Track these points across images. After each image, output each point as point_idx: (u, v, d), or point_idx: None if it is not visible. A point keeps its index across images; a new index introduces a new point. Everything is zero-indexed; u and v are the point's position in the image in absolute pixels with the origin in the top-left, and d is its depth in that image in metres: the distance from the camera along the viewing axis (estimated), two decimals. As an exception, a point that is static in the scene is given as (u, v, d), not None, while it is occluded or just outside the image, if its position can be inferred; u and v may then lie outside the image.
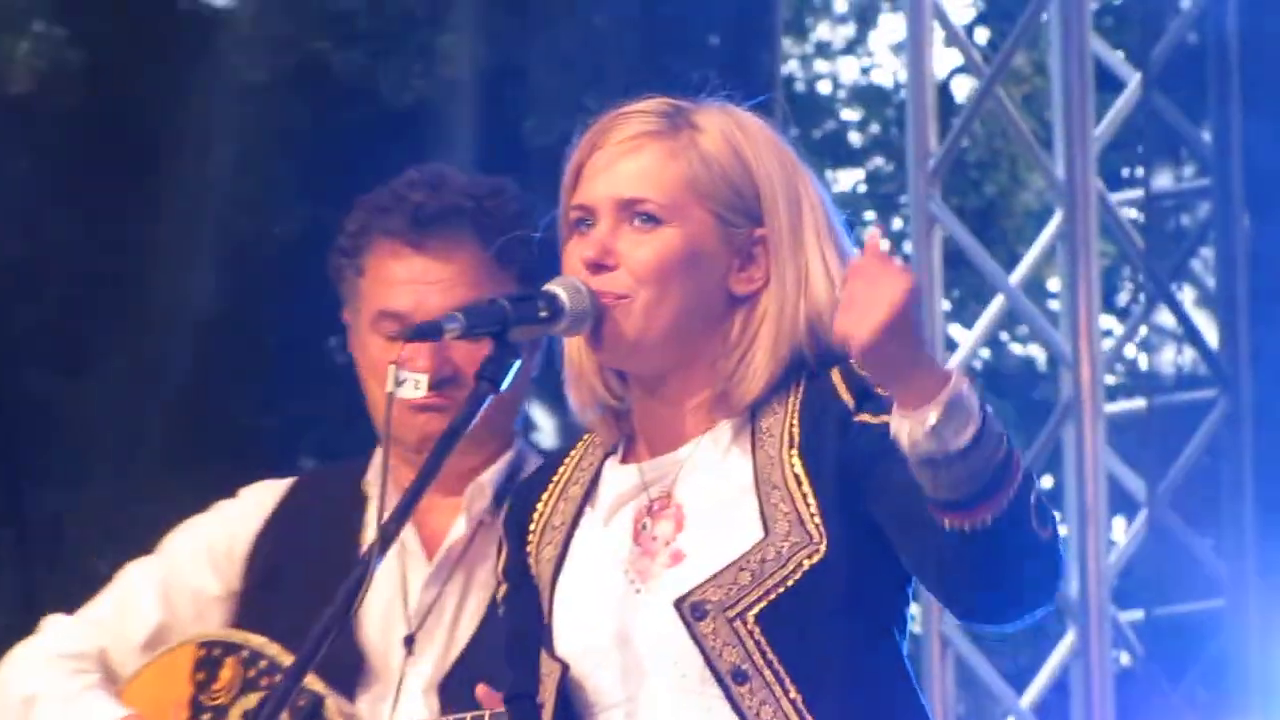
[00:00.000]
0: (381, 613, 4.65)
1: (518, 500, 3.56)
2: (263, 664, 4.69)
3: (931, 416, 2.78)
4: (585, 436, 3.51)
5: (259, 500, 5.02)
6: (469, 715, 4.34)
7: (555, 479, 3.49)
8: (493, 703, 4.05)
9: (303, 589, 4.53)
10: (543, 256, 4.00)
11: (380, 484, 4.01)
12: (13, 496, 13.07)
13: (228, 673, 4.67)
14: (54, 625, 5.05)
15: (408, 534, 4.48)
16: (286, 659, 4.52)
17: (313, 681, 4.43)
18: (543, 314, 3.17)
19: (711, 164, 3.32)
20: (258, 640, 4.69)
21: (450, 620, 4.60)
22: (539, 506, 3.46)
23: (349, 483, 4.89)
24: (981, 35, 10.91)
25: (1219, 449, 8.22)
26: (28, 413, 13.13)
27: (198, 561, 4.95)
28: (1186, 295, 9.14)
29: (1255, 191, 8.29)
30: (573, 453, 3.46)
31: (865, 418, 3.09)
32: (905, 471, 2.88)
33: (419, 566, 4.59)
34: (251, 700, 4.72)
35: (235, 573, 4.90)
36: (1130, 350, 9.24)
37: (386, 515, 3.34)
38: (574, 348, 3.45)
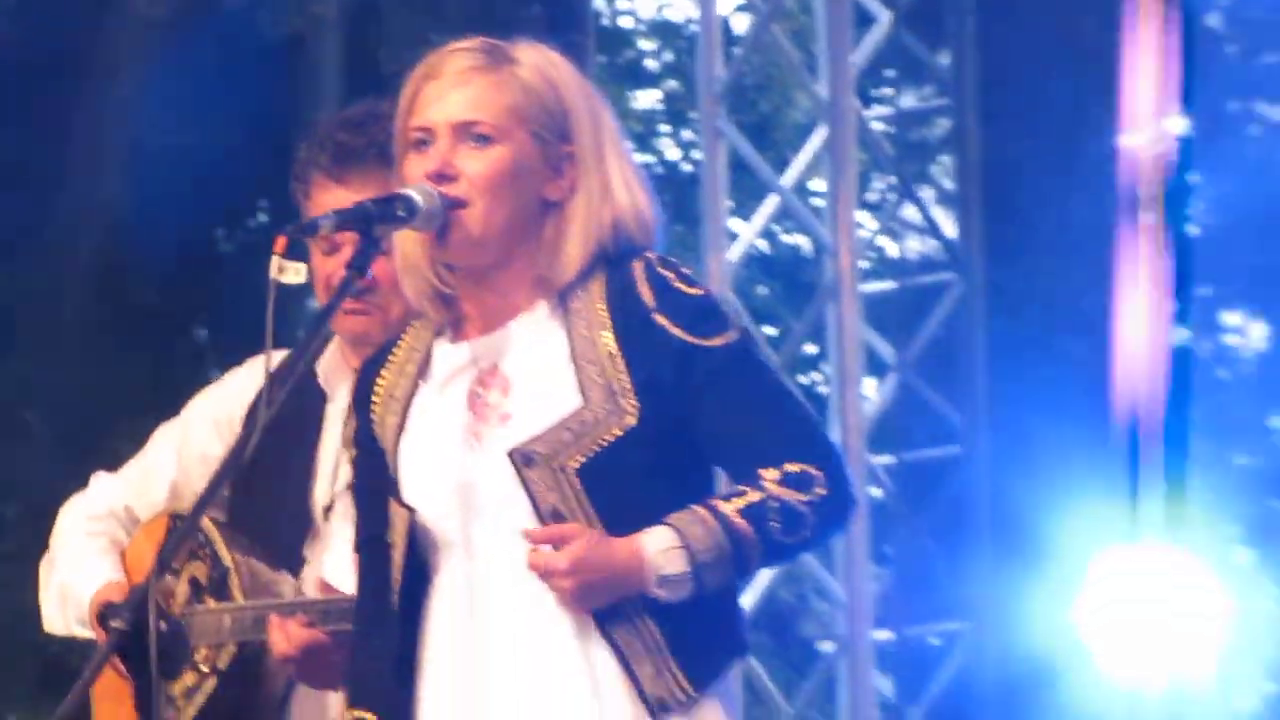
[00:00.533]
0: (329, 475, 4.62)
1: (362, 378, 3.62)
2: (201, 537, 4.63)
3: (657, 592, 3.22)
4: (414, 322, 3.56)
5: (256, 371, 4.77)
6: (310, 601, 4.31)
7: (392, 359, 3.55)
8: (329, 593, 4.14)
9: (263, 472, 4.45)
10: None
11: (266, 360, 3.70)
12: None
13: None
14: (95, 483, 5.03)
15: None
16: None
17: (225, 554, 4.55)
18: (400, 213, 3.26)
19: (530, 92, 3.45)
20: (206, 523, 4.65)
21: None
22: (380, 382, 3.52)
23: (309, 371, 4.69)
24: None
25: (955, 322, 8.30)
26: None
27: (206, 426, 4.88)
28: (928, 195, 9.24)
29: (986, 109, 8.37)
30: (405, 337, 3.53)
31: (662, 320, 3.27)
32: (724, 417, 3.34)
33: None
34: (198, 569, 4.71)
35: (234, 439, 4.74)
36: (882, 240, 9.27)
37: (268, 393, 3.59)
38: (408, 243, 3.50)
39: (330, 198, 4.31)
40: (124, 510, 4.88)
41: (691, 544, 3.19)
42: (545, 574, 3.19)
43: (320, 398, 4.49)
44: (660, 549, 3.16)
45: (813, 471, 3.29)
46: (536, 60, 3.47)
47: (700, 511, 3.16)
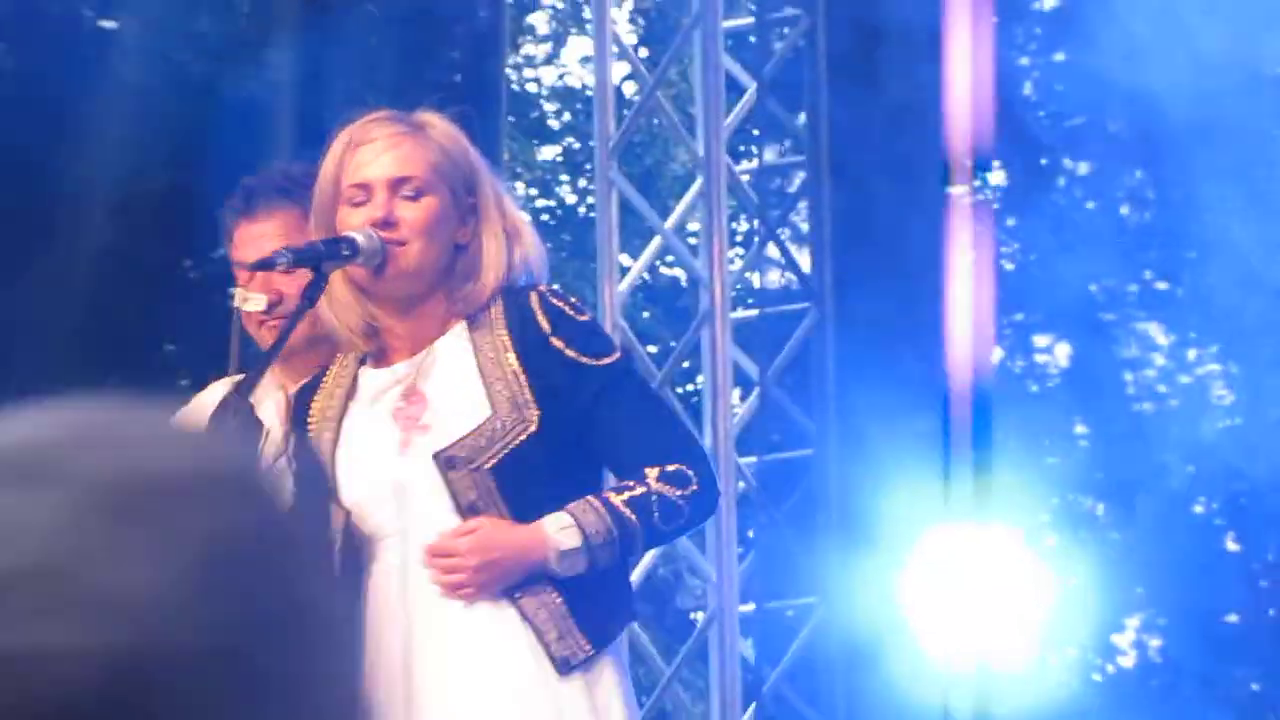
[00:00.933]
0: None
1: (297, 402, 3.81)
2: None
3: (555, 568, 3.42)
4: (339, 356, 3.76)
5: (215, 392, 4.84)
6: None
7: (322, 385, 3.74)
8: None
9: None
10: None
11: (232, 372, 4.20)
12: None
13: None
14: None
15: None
16: None
17: None
18: (345, 252, 3.55)
19: (446, 153, 3.71)
20: None
21: None
22: (314, 405, 3.71)
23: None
24: (644, 52, 11.04)
25: (809, 343, 8.43)
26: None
27: None
28: (786, 235, 9.41)
29: (835, 162, 8.57)
30: (332, 367, 3.71)
31: (558, 344, 3.52)
32: (612, 425, 3.58)
33: None
34: None
35: None
36: (748, 275, 9.42)
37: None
38: (339, 286, 3.72)
39: (241, 233, 4.47)
40: None
41: (584, 526, 3.47)
42: (450, 570, 3.43)
43: (256, 421, 4.25)
44: (558, 528, 3.44)
45: (687, 471, 3.62)
46: (444, 127, 3.72)
47: (593, 501, 3.50)
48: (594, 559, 3.61)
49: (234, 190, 4.74)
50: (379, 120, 3.79)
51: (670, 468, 3.52)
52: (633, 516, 3.48)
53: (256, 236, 4.39)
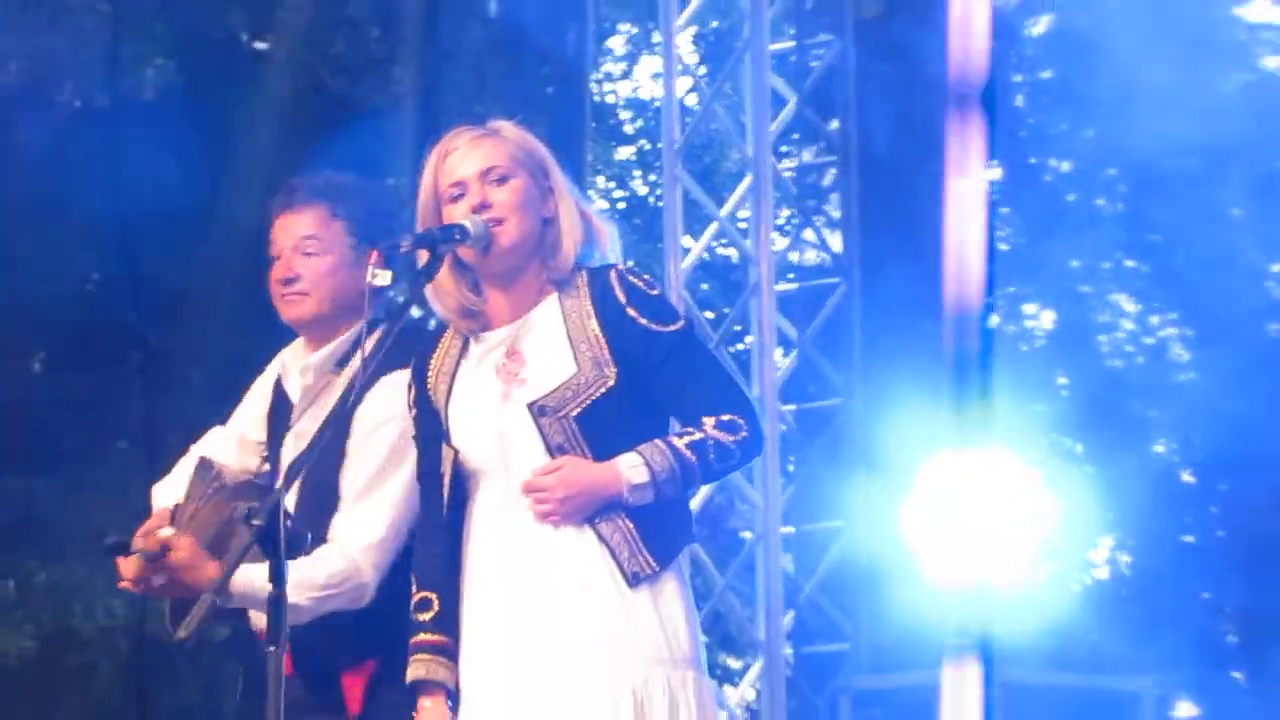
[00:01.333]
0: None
1: (419, 361, 3.81)
2: (214, 470, 4.36)
3: (628, 498, 3.50)
4: (449, 329, 3.77)
5: (274, 367, 4.73)
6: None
7: (439, 349, 3.76)
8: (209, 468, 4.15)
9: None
10: (373, 215, 4.35)
11: (364, 339, 3.65)
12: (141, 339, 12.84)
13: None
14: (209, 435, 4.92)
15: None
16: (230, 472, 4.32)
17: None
18: (457, 236, 3.50)
19: (518, 146, 3.72)
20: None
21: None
22: (431, 364, 3.73)
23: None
24: (703, 70, 11.19)
25: (840, 311, 8.64)
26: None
27: (247, 405, 4.74)
28: (821, 222, 9.61)
29: (862, 163, 8.85)
30: (445, 336, 3.74)
31: (633, 313, 3.58)
32: (677, 382, 3.61)
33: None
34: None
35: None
36: (790, 254, 9.59)
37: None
38: (444, 275, 3.71)
39: (282, 220, 4.38)
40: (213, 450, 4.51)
41: (652, 464, 3.49)
42: (541, 501, 3.52)
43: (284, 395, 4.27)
44: (629, 465, 3.47)
45: (738, 419, 3.71)
46: (513, 128, 3.77)
47: (659, 444, 3.56)
48: (659, 492, 3.66)
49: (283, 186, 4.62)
50: (460, 132, 3.81)
51: (724, 417, 3.58)
52: (692, 456, 3.56)
53: (290, 225, 4.34)
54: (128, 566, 3.83)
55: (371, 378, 3.82)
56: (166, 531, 3.83)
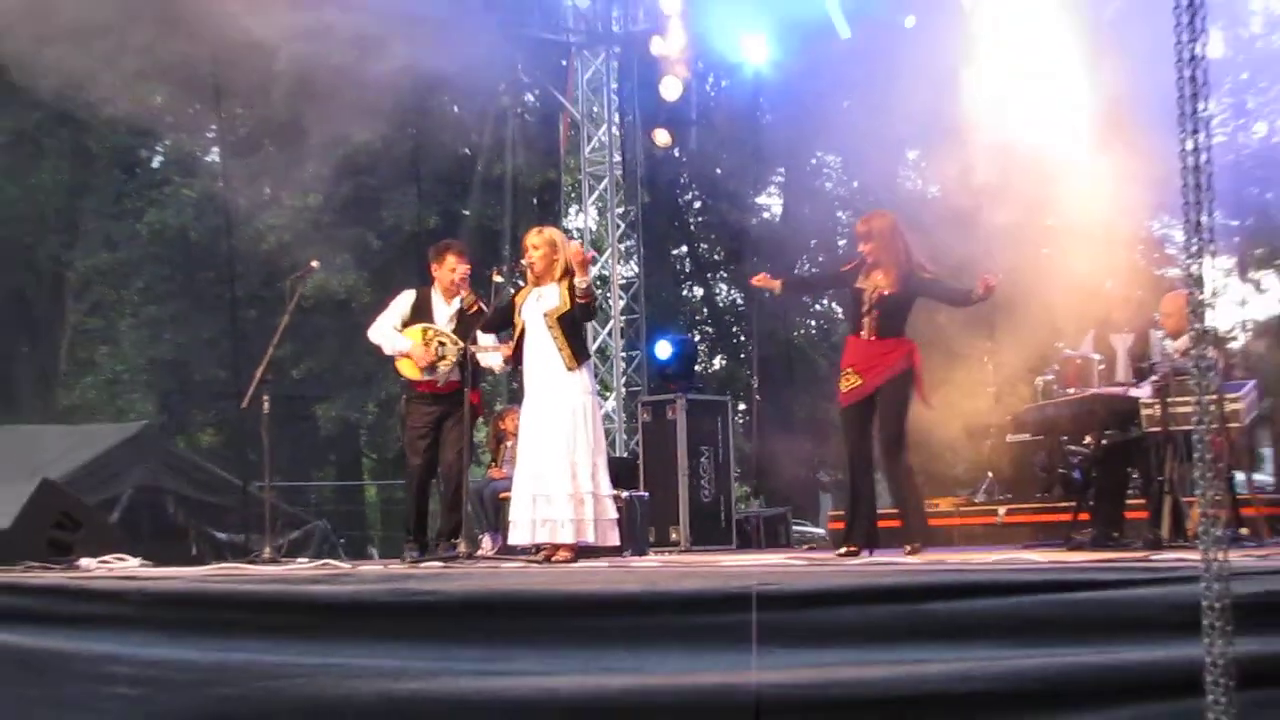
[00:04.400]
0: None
1: (513, 294, 8.05)
2: (442, 337, 8.52)
3: (581, 317, 7.98)
4: (523, 284, 7.96)
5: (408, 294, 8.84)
6: None
7: (521, 290, 7.89)
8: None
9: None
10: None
11: (493, 301, 8.29)
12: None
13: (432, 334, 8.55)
14: (381, 316, 8.75)
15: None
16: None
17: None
18: (522, 267, 8.15)
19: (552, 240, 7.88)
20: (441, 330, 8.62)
21: None
22: (516, 299, 7.80)
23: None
24: None
25: None
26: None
27: (399, 303, 8.75)
28: None
29: None
30: (525, 286, 7.77)
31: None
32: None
33: None
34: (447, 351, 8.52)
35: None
36: None
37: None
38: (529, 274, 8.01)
39: (447, 259, 8.64)
40: (393, 323, 8.62)
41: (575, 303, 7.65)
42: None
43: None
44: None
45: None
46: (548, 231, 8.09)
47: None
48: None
49: (443, 244, 8.83)
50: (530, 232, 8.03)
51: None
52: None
53: (456, 264, 8.55)
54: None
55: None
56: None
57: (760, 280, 8.16)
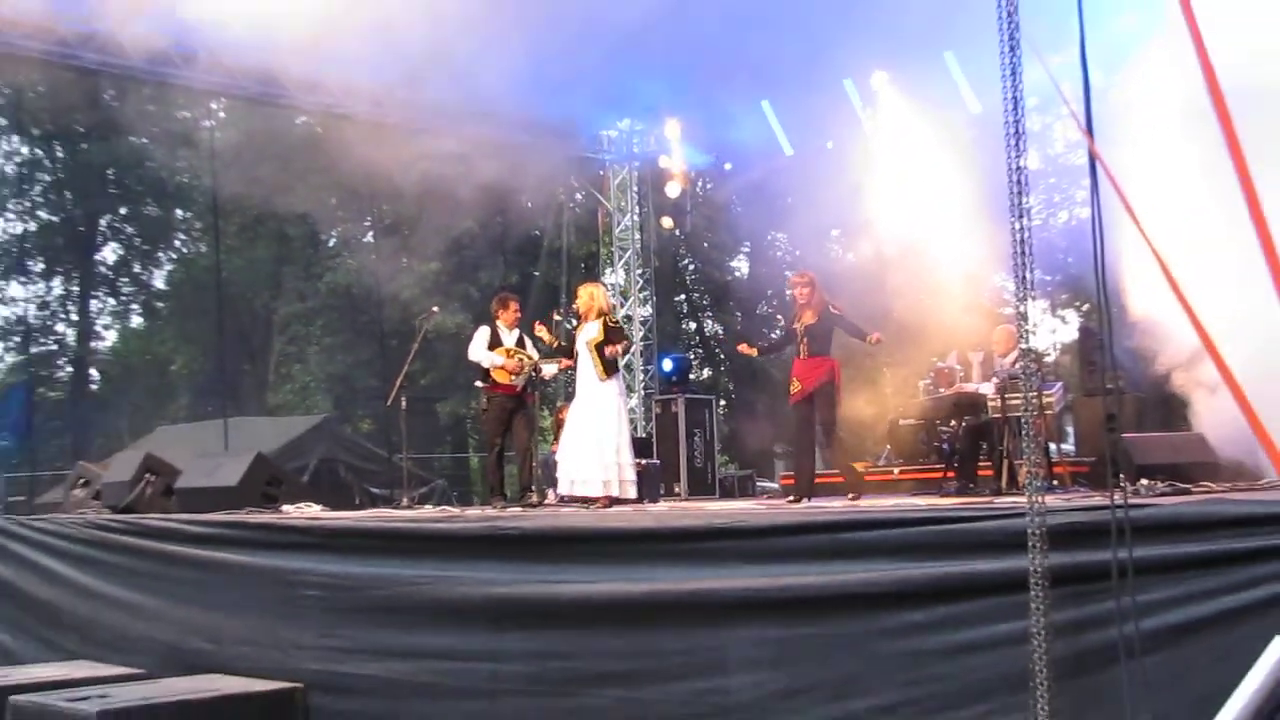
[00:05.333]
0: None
1: (571, 329, 7.75)
2: (520, 354, 8.21)
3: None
4: (576, 322, 7.68)
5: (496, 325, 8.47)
6: None
7: (576, 325, 7.73)
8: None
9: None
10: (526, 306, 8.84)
11: (549, 333, 8.03)
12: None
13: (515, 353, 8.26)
14: (476, 337, 8.46)
15: None
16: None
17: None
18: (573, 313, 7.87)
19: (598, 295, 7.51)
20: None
21: None
22: (575, 332, 7.54)
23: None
24: None
25: None
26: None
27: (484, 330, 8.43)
28: None
29: None
30: (577, 324, 7.59)
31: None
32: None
33: None
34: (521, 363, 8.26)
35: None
36: None
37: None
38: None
39: (511, 305, 8.24)
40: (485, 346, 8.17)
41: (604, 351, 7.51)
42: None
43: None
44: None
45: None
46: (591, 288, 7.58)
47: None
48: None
49: (504, 293, 8.42)
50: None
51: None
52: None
53: (516, 310, 8.12)
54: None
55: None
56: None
57: (743, 348, 8.24)
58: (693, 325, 25.21)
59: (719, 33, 10.31)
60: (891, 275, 10.78)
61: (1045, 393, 7.33)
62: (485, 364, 8.31)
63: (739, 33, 10.42)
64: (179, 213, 23.66)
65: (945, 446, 9.76)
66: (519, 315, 8.36)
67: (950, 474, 8.72)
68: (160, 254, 24.44)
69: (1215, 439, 6.95)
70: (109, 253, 23.99)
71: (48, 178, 22.66)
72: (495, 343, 8.29)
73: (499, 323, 8.33)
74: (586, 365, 7.51)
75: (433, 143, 11.96)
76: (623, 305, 15.01)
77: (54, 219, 22.83)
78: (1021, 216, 4.02)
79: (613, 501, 7.49)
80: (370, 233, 20.36)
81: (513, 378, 8.19)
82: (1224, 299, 4.47)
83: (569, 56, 10.06)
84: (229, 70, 11.24)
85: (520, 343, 8.28)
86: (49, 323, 22.93)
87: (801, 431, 7.70)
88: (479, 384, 8.35)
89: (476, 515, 6.58)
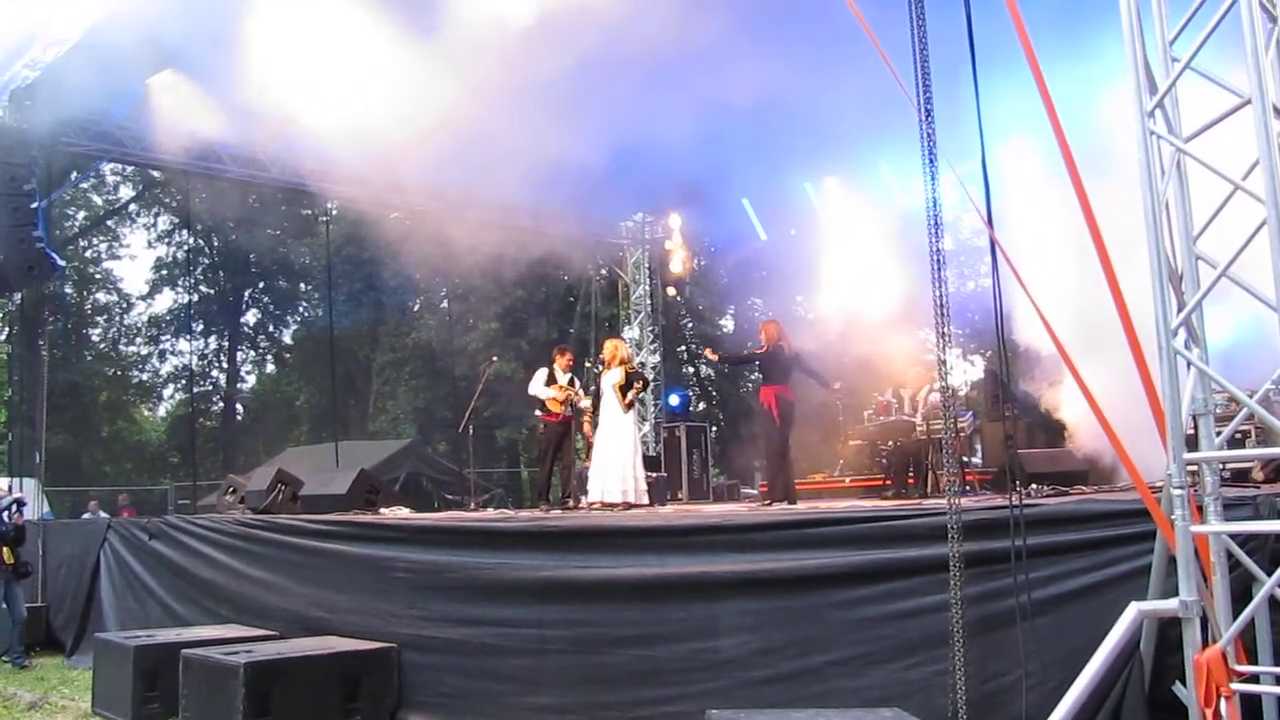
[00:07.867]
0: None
1: (598, 374, 7.53)
2: (569, 391, 7.86)
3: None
4: (601, 367, 7.10)
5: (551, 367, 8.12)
6: None
7: (601, 371, 7.38)
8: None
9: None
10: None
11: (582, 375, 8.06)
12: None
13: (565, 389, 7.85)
14: (534, 384, 8.03)
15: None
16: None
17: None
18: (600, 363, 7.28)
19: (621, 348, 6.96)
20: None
21: None
22: (600, 376, 7.30)
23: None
24: None
25: None
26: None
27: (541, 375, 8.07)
28: None
29: None
30: (602, 369, 6.95)
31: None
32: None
33: None
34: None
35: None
36: None
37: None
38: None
39: (566, 354, 7.89)
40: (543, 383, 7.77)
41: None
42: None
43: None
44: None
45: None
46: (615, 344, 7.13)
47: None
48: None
49: (563, 343, 7.35)
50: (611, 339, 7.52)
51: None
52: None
53: (569, 358, 7.73)
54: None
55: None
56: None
57: (708, 352, 8.34)
58: (690, 370, 25.23)
59: (712, 150, 10.53)
60: (842, 330, 10.82)
61: (960, 419, 7.33)
62: (541, 397, 8.31)
63: (726, 150, 10.68)
64: (302, 285, 24.77)
65: (884, 461, 9.71)
66: (572, 362, 8.36)
67: (888, 482, 8.67)
68: (288, 317, 25.69)
69: (1089, 449, 7.01)
70: (250, 316, 25.42)
71: (206, 260, 24.14)
72: (551, 380, 8.27)
73: (555, 366, 8.31)
74: (611, 401, 7.54)
75: (493, 232, 12.07)
76: (638, 354, 15.09)
77: (210, 291, 24.31)
78: (940, 285, 4.05)
79: (630, 505, 7.49)
80: (445, 300, 20.58)
81: (562, 407, 8.14)
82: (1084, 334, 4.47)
83: (600, 166, 10.23)
84: (338, 179, 11.65)
85: (571, 383, 8.29)
86: (207, 370, 24.50)
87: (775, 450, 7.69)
88: (537, 413, 8.33)
89: (527, 516, 6.56)
